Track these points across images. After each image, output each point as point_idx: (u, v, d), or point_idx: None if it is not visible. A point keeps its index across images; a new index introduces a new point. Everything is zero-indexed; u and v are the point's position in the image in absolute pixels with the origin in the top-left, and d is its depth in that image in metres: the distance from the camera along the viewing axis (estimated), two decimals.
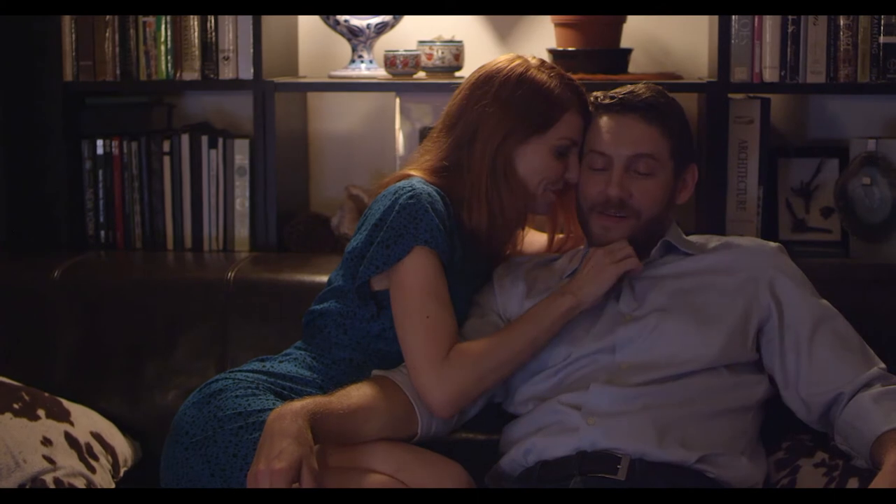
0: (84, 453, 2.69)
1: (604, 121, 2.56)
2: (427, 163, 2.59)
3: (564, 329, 2.49)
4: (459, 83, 2.67)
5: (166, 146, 3.27)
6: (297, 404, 2.28)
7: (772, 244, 2.60)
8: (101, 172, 3.28)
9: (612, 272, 2.47)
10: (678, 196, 2.60)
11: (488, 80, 2.57)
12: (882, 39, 3.04)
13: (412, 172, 2.57)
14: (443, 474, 2.38)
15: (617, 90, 2.58)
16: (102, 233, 3.30)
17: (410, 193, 2.47)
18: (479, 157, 2.54)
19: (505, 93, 2.54)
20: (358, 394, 2.39)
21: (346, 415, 2.34)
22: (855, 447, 2.36)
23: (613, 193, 2.51)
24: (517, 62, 2.59)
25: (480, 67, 2.63)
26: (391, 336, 2.53)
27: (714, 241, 2.63)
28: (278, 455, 2.17)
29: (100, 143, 3.28)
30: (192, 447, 2.40)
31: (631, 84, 2.61)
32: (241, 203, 3.26)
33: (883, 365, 2.43)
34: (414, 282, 2.45)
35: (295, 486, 2.17)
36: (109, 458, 2.76)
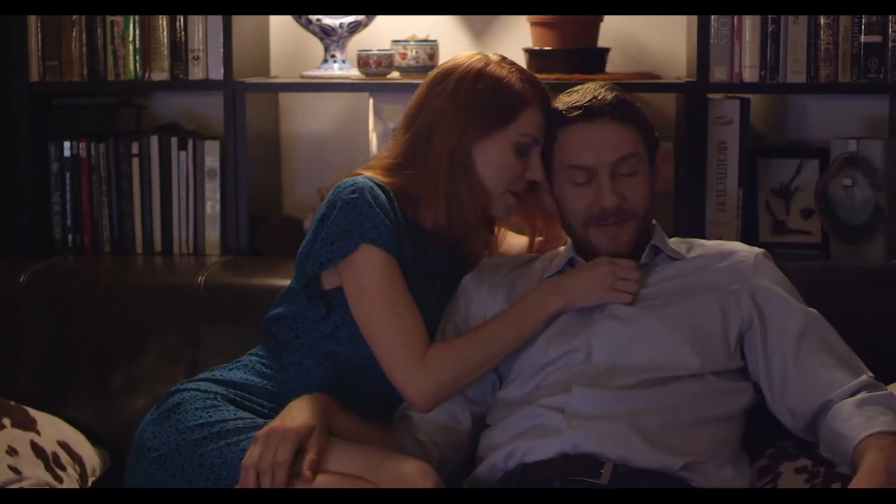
0: (51, 463, 2.65)
1: (575, 133, 2.51)
2: (384, 160, 2.56)
3: None
4: None
5: (135, 148, 3.24)
6: (318, 394, 2.39)
7: (756, 250, 2.57)
8: (68, 175, 3.25)
9: (606, 296, 2.44)
10: (655, 184, 2.56)
11: (446, 76, 2.54)
12: (863, 39, 3.04)
13: (363, 171, 2.54)
14: (411, 472, 2.33)
15: (574, 98, 2.53)
16: (70, 236, 3.27)
17: (352, 188, 2.44)
18: (438, 154, 2.50)
19: (463, 87, 2.51)
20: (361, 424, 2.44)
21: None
22: (837, 454, 2.33)
23: (610, 203, 2.47)
24: (476, 58, 2.56)
25: (440, 65, 2.60)
26: (343, 336, 2.50)
27: (698, 245, 2.61)
28: (293, 417, 2.29)
29: (67, 144, 3.25)
30: (156, 461, 2.38)
31: (581, 85, 2.57)
32: (212, 206, 3.23)
33: (871, 374, 2.40)
34: (371, 281, 2.42)
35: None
36: (77, 467, 2.72)
